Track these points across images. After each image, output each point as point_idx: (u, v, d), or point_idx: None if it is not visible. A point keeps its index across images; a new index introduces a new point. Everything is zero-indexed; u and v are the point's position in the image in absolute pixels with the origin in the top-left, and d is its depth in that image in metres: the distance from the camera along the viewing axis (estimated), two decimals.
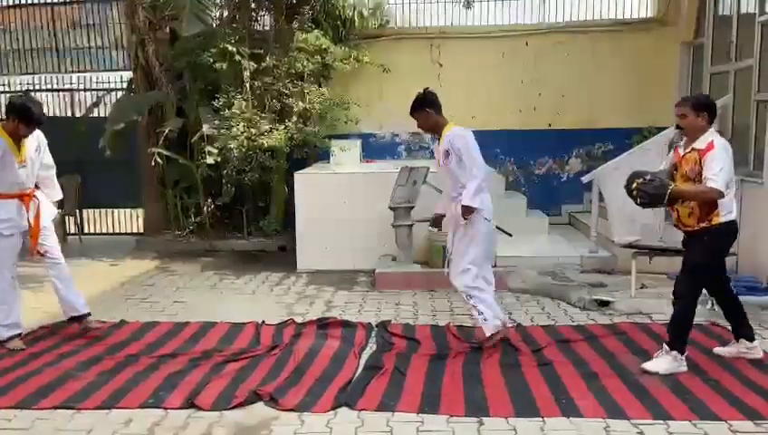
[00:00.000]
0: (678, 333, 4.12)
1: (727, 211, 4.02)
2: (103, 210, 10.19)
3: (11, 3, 10.49)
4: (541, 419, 3.53)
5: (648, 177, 4.00)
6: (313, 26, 8.63)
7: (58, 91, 10.14)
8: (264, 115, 8.11)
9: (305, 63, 8.25)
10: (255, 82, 8.20)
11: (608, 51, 9.20)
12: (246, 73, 8.05)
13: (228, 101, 7.97)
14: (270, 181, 8.42)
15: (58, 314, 5.67)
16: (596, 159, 9.11)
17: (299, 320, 5.37)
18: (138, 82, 8.81)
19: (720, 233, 4.05)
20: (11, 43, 10.64)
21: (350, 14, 9.32)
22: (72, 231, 9.55)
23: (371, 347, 4.71)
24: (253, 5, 9.06)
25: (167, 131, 8.19)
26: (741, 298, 5.44)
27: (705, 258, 4.10)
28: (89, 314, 5.02)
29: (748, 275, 6.19)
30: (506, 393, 3.84)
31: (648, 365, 4.11)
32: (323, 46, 8.41)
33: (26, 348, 4.69)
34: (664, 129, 7.15)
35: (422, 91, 4.60)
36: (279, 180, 8.44)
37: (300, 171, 7.67)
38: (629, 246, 5.99)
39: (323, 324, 5.19)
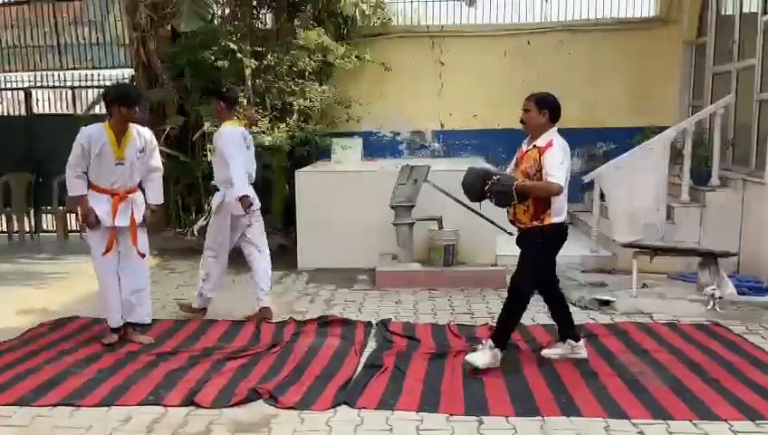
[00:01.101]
0: (506, 330, 4.20)
1: (558, 213, 4.08)
2: None
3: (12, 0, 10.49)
4: (540, 418, 3.52)
5: (495, 177, 4.08)
6: (315, 24, 8.61)
7: (59, 88, 10.15)
8: (265, 113, 8.11)
9: (306, 61, 8.23)
10: (257, 80, 8.19)
11: (610, 50, 9.18)
12: (248, 71, 8.03)
13: None
14: (270, 179, 8.41)
15: (58, 311, 5.68)
16: (597, 159, 9.08)
17: (299, 318, 5.37)
18: (139, 80, 8.79)
19: (551, 233, 4.12)
20: (12, 40, 10.63)
21: (352, 12, 9.30)
22: (74, 228, 9.56)
23: (371, 346, 4.70)
24: (254, 3, 9.05)
25: (168, 129, 8.18)
26: (743, 298, 5.47)
27: (537, 258, 4.18)
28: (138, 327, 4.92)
29: (750, 275, 6.18)
30: (506, 392, 3.84)
31: (469, 357, 4.14)
32: (325, 44, 8.40)
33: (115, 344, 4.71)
34: (666, 128, 7.14)
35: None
36: (280, 178, 8.42)
37: (301, 169, 7.67)
38: (630, 245, 5.98)
39: (323, 323, 5.19)
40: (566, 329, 4.40)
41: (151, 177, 4.86)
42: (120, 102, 4.54)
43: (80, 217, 4.16)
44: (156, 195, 4.92)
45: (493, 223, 6.39)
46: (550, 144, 4.05)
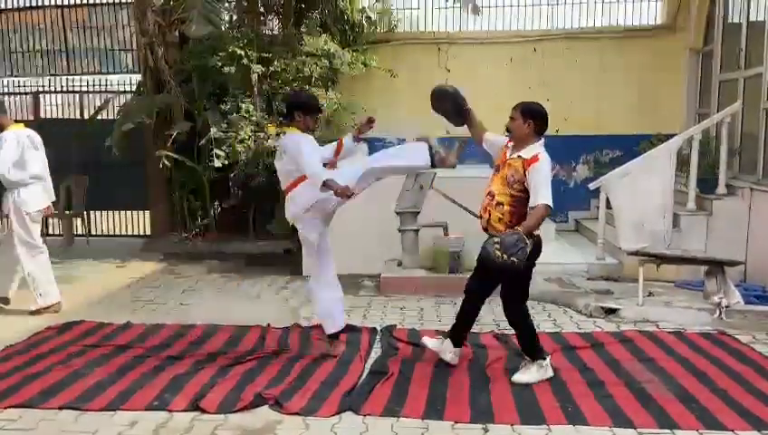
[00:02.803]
0: (531, 342, 4.15)
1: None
2: (110, 212, 10.24)
3: (21, 5, 10.56)
4: (546, 426, 3.51)
5: (497, 240, 3.87)
6: (321, 30, 8.65)
7: (67, 92, 10.21)
8: (271, 119, 8.13)
9: (313, 67, 8.26)
10: (263, 86, 8.22)
11: (616, 57, 9.18)
12: (254, 77, 8.07)
13: (236, 104, 7.99)
14: (276, 184, 8.42)
15: (64, 314, 5.70)
16: (603, 166, 9.09)
17: (304, 324, 5.37)
18: (146, 85, 8.83)
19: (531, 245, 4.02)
20: (21, 45, 10.71)
21: (359, 18, 9.34)
22: (80, 232, 9.60)
23: (376, 352, 4.70)
24: (261, 9, 9.10)
25: (175, 134, 8.21)
26: (750, 307, 5.46)
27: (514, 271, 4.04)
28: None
29: (757, 284, 6.16)
30: (512, 400, 3.83)
31: (516, 377, 4.09)
32: (331, 50, 8.43)
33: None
34: (672, 135, 7.13)
35: None
36: None
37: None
38: (637, 253, 5.96)
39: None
40: (461, 333, 4.37)
41: None
42: (305, 112, 4.46)
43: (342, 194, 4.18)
44: None
45: None
46: (536, 158, 3.94)
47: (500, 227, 4.05)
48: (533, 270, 4.21)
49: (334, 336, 4.65)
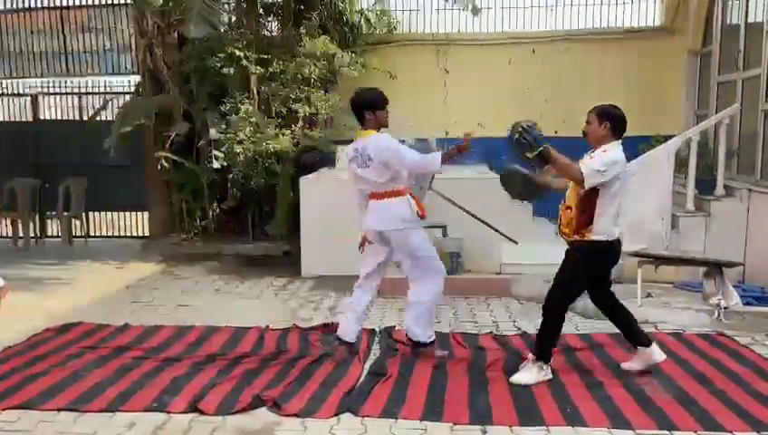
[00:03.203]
0: (545, 344, 4.13)
1: (600, 231, 3.95)
2: (109, 213, 10.24)
3: (20, 6, 10.55)
4: (545, 427, 3.51)
5: (531, 124, 3.94)
6: (321, 32, 8.65)
7: (66, 94, 10.21)
8: (270, 120, 8.14)
9: (312, 69, 8.26)
10: (262, 87, 8.22)
11: (615, 59, 9.20)
12: (253, 78, 8.07)
13: (235, 105, 7.99)
14: (275, 186, 8.43)
15: (63, 316, 5.70)
16: None
17: (303, 325, 5.37)
18: (145, 86, 8.84)
19: (592, 251, 4.01)
20: (20, 46, 10.70)
21: (358, 19, 9.34)
22: (78, 234, 9.60)
23: (375, 353, 4.70)
24: (260, 11, 9.10)
25: (173, 135, 8.21)
26: (749, 308, 5.45)
27: (572, 273, 4.09)
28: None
29: (755, 285, 6.16)
30: (510, 401, 3.83)
31: (515, 378, 4.08)
32: (330, 52, 8.43)
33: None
34: (671, 137, 7.13)
35: None
36: (284, 185, 8.44)
37: (305, 177, 7.68)
38: (635, 254, 5.96)
39: (328, 331, 5.18)
40: (635, 336, 4.27)
41: None
42: (370, 108, 4.40)
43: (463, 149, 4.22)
44: None
45: (497, 231, 6.39)
46: (602, 151, 3.96)
47: (568, 230, 4.05)
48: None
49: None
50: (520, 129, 3.92)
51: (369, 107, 4.40)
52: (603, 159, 3.91)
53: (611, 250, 4.07)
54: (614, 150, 3.97)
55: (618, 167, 3.94)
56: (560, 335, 4.22)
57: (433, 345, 4.57)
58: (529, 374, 4.09)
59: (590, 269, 4.14)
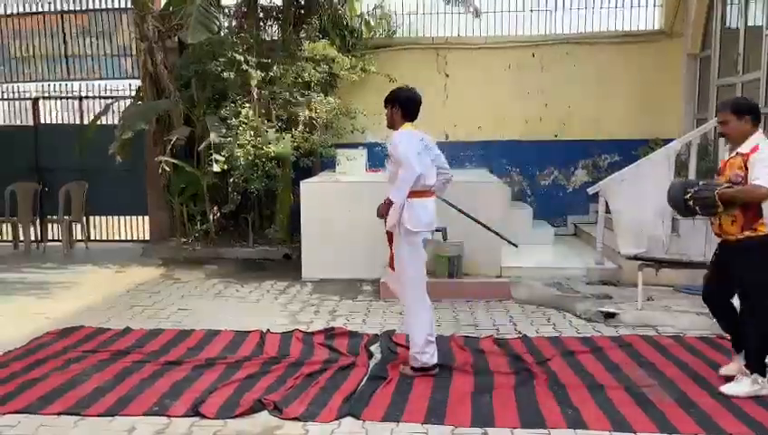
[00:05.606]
0: (760, 357, 3.91)
1: None
2: (110, 217, 10.24)
3: (21, 10, 10.57)
4: (546, 430, 3.51)
5: (698, 186, 3.88)
6: (321, 36, 8.67)
7: (67, 98, 10.22)
8: (270, 124, 8.15)
9: (312, 73, 8.29)
10: (262, 91, 8.24)
11: (614, 62, 9.21)
12: (253, 82, 8.08)
13: (235, 109, 8.01)
14: (275, 190, 8.44)
15: (63, 320, 5.70)
16: (602, 171, 9.10)
17: (303, 329, 5.37)
18: (146, 91, 8.85)
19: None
20: (20, 50, 10.72)
21: (358, 23, 9.36)
22: (79, 238, 9.60)
23: (376, 357, 4.70)
24: (261, 15, 9.12)
25: (174, 139, 8.23)
26: None
27: (764, 273, 3.82)
28: None
29: None
30: (512, 405, 3.82)
31: (725, 389, 3.94)
32: (330, 56, 8.45)
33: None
34: (670, 140, 7.14)
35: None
36: (284, 189, 8.45)
37: (305, 180, 7.69)
38: (636, 257, 5.96)
39: (329, 335, 5.19)
40: (738, 341, 4.11)
41: None
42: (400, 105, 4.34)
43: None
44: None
45: (497, 234, 6.39)
46: (756, 149, 3.77)
47: (734, 229, 3.85)
48: None
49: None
50: (689, 201, 3.85)
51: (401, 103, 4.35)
52: (763, 157, 3.73)
53: None
54: (762, 142, 3.81)
55: None
56: None
57: (434, 368, 4.44)
58: (741, 386, 3.91)
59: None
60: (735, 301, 4.12)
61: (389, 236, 4.39)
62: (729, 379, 4.07)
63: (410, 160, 4.10)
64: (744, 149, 3.86)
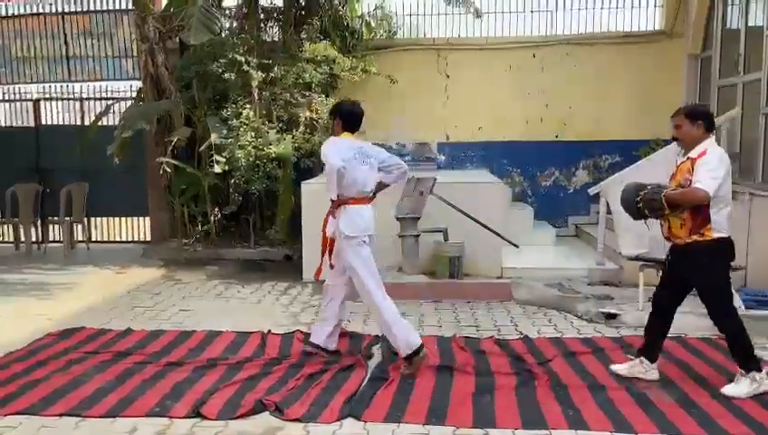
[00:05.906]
0: (745, 354, 3.96)
1: (720, 228, 3.89)
2: (110, 218, 10.25)
3: (22, 11, 10.58)
4: (547, 431, 3.51)
5: (647, 189, 3.99)
6: (321, 37, 8.68)
7: (68, 99, 10.24)
8: (271, 125, 8.15)
9: (313, 74, 8.29)
10: (263, 92, 8.24)
11: (615, 63, 9.22)
12: (254, 83, 8.09)
13: (236, 110, 8.02)
14: (276, 191, 8.45)
15: (64, 321, 5.70)
16: (603, 171, 9.11)
17: (305, 330, 5.36)
18: (147, 92, 8.86)
19: (717, 249, 3.93)
20: (21, 51, 10.73)
21: (358, 24, 9.37)
22: (80, 239, 9.60)
23: (377, 358, 4.70)
24: (261, 16, 9.13)
25: (175, 140, 8.24)
26: (751, 312, 5.44)
27: (717, 275, 3.95)
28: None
29: (757, 289, 6.15)
30: (513, 405, 3.82)
31: (726, 391, 3.95)
32: (331, 57, 8.46)
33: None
34: (671, 141, 7.13)
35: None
36: (285, 190, 8.46)
37: (306, 181, 7.69)
38: (637, 258, 5.96)
39: None
40: (651, 349, 4.26)
41: None
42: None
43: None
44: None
45: (498, 235, 6.40)
46: (703, 153, 3.89)
47: (682, 233, 3.94)
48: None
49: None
50: (639, 203, 3.97)
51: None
52: (707, 160, 3.85)
53: (731, 246, 3.97)
54: (711, 148, 3.92)
55: (721, 161, 3.89)
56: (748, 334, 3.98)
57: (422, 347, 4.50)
58: (740, 387, 3.93)
59: (728, 266, 4.00)
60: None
61: (327, 241, 4.67)
62: (730, 380, 4.07)
63: (328, 158, 4.38)
64: (694, 153, 3.96)
